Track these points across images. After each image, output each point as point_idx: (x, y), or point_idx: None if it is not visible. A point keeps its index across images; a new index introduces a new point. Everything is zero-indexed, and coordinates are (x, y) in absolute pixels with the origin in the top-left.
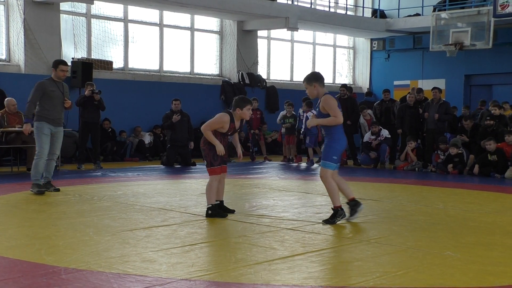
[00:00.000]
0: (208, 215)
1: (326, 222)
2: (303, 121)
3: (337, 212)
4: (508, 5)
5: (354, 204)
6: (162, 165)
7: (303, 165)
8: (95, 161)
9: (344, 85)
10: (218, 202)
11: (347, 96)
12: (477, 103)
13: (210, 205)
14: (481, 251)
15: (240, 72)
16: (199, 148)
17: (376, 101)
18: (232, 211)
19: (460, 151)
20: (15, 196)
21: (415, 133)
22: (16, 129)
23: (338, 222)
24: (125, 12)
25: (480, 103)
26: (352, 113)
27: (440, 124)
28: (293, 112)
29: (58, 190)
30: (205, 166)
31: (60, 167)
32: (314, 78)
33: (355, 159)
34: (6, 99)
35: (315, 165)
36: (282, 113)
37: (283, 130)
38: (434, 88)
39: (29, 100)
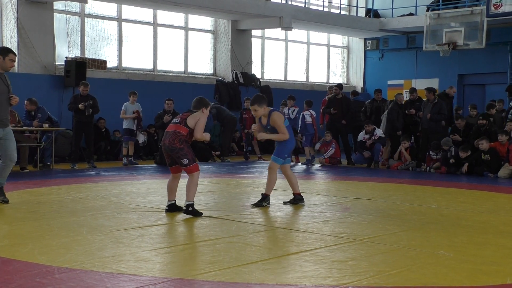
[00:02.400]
0: (188, 212)
1: (254, 205)
2: (299, 119)
3: (265, 198)
4: (502, 5)
5: (299, 199)
6: (155, 164)
7: (300, 165)
8: (88, 160)
9: (338, 85)
10: (173, 202)
11: (341, 95)
12: (470, 102)
13: (192, 202)
14: (474, 250)
15: (234, 72)
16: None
17: (363, 100)
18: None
19: (469, 154)
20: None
21: (409, 132)
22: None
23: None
24: (119, 11)
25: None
26: (347, 113)
27: (433, 124)
28: None
29: (7, 202)
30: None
31: (54, 166)
32: (264, 100)
33: (349, 158)
34: None
35: (317, 165)
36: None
37: None
38: (426, 88)
39: None
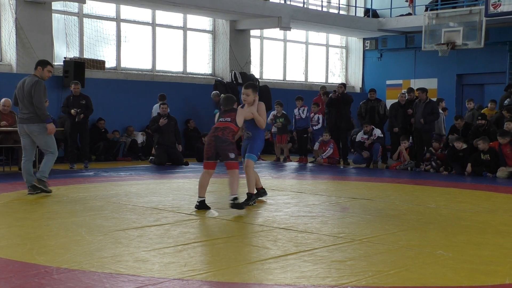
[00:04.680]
0: (235, 205)
1: (243, 204)
2: (308, 120)
3: (251, 197)
4: (500, 5)
5: (263, 192)
6: (154, 164)
7: (309, 165)
8: (83, 160)
9: (342, 84)
10: (204, 198)
11: (340, 94)
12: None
13: (237, 195)
14: (473, 250)
15: (233, 72)
16: (191, 149)
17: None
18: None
19: (465, 146)
20: (7, 195)
21: (407, 132)
22: (7, 128)
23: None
24: (118, 12)
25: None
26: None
27: (426, 124)
28: (283, 112)
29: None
30: (185, 165)
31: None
32: (257, 89)
33: (345, 159)
34: (2, 99)
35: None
36: (272, 113)
37: (274, 129)
38: (418, 88)
39: (41, 101)
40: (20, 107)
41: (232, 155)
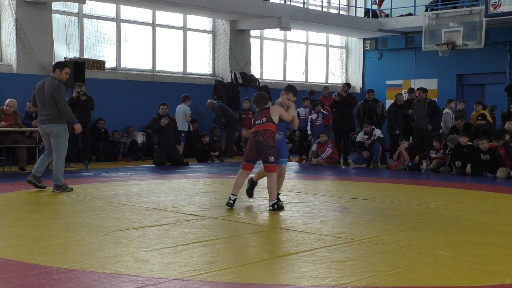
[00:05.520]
0: (275, 209)
1: (279, 205)
2: (309, 123)
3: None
4: (500, 5)
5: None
6: (154, 165)
7: (309, 165)
8: (83, 160)
9: (347, 84)
10: (237, 197)
11: (344, 94)
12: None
13: (275, 200)
14: (473, 250)
15: (233, 72)
16: (191, 149)
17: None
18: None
19: (470, 143)
20: (7, 196)
21: (407, 132)
22: (7, 129)
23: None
24: (118, 12)
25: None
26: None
27: (426, 123)
28: None
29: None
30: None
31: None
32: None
33: (346, 159)
34: (8, 99)
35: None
36: None
37: None
38: (418, 88)
39: (66, 104)
40: (40, 109)
41: (271, 159)
